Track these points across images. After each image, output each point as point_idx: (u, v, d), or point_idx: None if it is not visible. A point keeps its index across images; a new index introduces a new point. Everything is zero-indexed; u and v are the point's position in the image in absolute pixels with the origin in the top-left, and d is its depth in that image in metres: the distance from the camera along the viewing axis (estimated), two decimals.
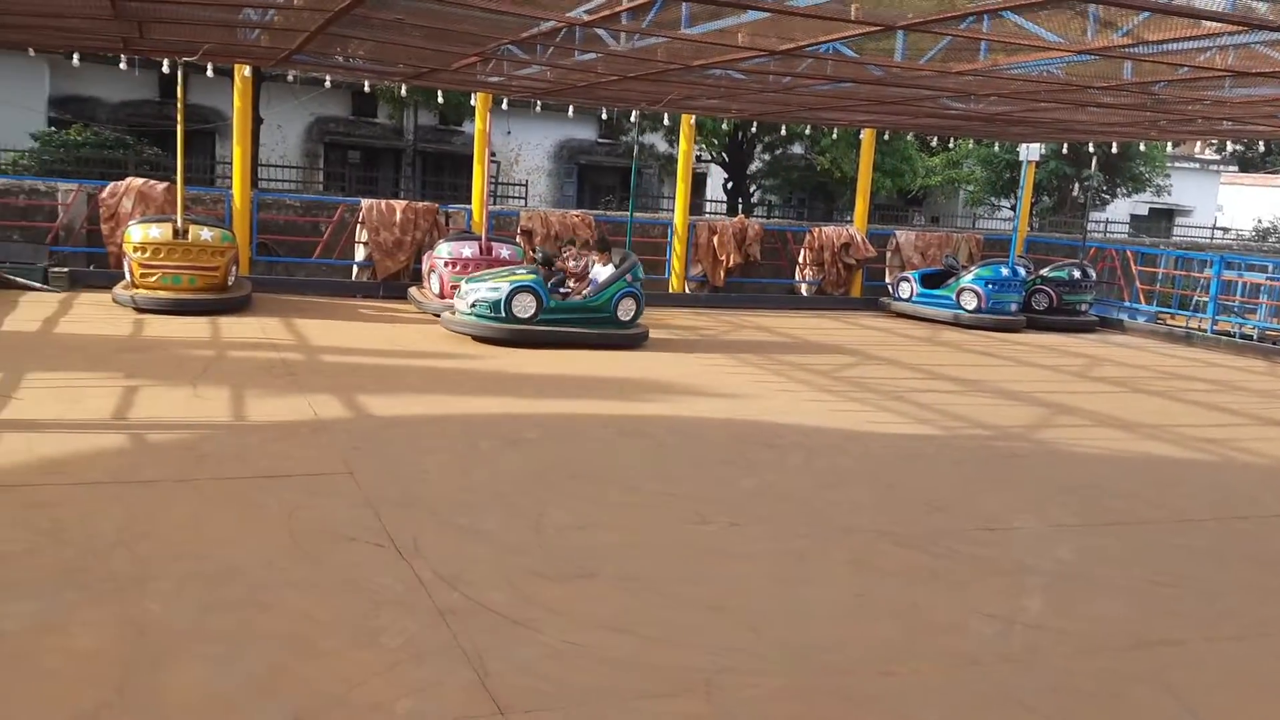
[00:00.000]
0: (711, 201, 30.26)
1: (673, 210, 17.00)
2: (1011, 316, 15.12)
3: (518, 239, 14.39)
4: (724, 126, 23.65)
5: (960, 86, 10.44)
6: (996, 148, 26.06)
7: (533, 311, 10.74)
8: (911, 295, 15.78)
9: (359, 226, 14.40)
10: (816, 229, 17.07)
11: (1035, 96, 10.87)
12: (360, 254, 14.50)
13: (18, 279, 12.24)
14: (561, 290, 11.15)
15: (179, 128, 12.09)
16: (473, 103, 14.86)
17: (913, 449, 7.69)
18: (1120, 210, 34.50)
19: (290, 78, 14.42)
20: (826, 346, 12.56)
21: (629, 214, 15.69)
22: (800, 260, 17.03)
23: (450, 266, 12.45)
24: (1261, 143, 36.76)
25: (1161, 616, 4.85)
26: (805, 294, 16.99)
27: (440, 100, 16.93)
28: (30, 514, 4.99)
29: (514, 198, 28.31)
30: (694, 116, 16.02)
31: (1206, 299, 15.74)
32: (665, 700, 3.67)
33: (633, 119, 17.24)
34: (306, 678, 3.61)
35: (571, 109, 16.05)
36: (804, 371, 10.62)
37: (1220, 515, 6.63)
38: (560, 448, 7.06)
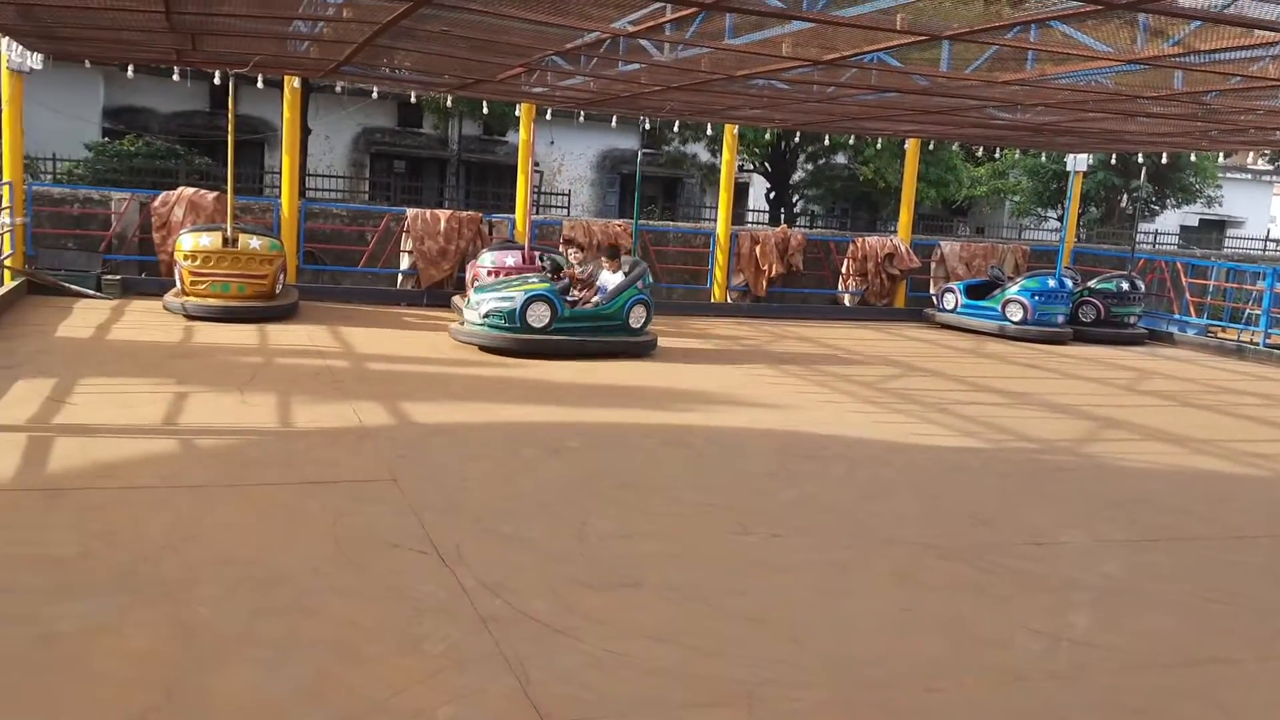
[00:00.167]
0: (754, 211, 30.26)
1: (715, 220, 17.00)
2: (1058, 328, 14.93)
3: (561, 248, 14.46)
4: (766, 136, 23.62)
5: (1006, 96, 10.34)
6: (1043, 158, 25.76)
7: (547, 320, 10.75)
8: (956, 306, 15.65)
9: (404, 235, 14.57)
10: (860, 239, 16.99)
11: (1083, 106, 10.74)
12: (405, 263, 14.66)
13: (72, 286, 12.48)
14: (569, 298, 11.14)
15: (229, 138, 12.29)
16: (517, 113, 14.99)
17: (957, 461, 7.62)
18: (1170, 221, 34.01)
19: (338, 89, 14.60)
20: (870, 357, 12.47)
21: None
22: (843, 270, 16.96)
23: (493, 275, 12.53)
24: None
25: (1213, 634, 4.75)
26: (848, 304, 16.91)
27: (485, 111, 17.07)
28: (84, 517, 5.08)
29: (557, 207, 28.49)
30: (737, 127, 16.03)
31: (1259, 312, 15.45)
32: (707, 711, 3.66)
33: (675, 129, 17.26)
34: (350, 684, 3.64)
35: (614, 119, 16.12)
36: (847, 383, 10.55)
37: (1275, 532, 6.49)
38: (603, 457, 7.07)
